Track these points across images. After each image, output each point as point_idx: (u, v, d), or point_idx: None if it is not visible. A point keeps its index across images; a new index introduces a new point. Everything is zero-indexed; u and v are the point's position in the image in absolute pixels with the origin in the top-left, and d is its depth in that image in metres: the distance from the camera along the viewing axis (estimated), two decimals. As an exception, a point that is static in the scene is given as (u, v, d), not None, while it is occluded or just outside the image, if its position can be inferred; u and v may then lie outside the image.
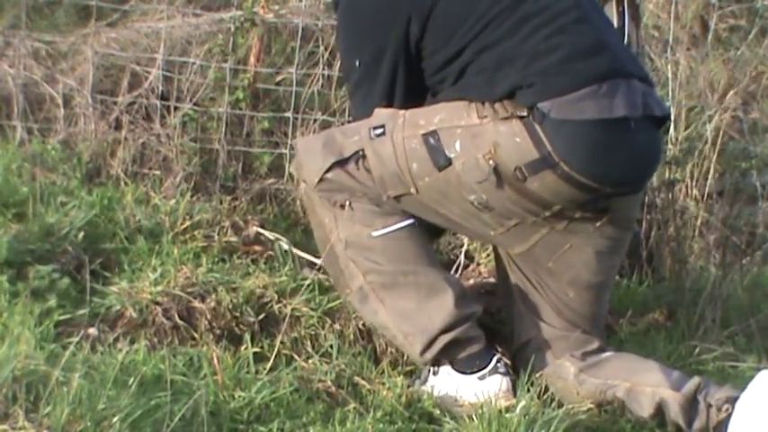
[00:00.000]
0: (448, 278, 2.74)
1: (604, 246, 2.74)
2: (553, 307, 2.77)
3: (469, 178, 2.61)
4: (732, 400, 2.58)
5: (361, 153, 2.69)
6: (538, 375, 2.71)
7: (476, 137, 2.59)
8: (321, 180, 2.71)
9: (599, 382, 2.72)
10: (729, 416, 2.56)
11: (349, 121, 3.72)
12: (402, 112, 2.69)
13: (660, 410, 2.66)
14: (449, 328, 2.66)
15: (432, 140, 2.63)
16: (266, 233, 3.31)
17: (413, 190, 2.67)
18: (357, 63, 2.77)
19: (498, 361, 2.69)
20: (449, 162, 2.62)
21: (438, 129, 2.63)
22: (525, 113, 2.56)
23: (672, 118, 3.77)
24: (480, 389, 2.65)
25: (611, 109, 2.57)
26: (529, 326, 2.79)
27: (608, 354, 2.80)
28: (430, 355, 2.69)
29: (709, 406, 2.62)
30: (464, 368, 2.69)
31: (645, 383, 2.69)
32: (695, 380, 2.67)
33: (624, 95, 2.59)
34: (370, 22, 2.76)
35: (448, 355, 2.69)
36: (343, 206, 2.71)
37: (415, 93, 2.76)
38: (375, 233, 2.70)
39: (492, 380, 2.67)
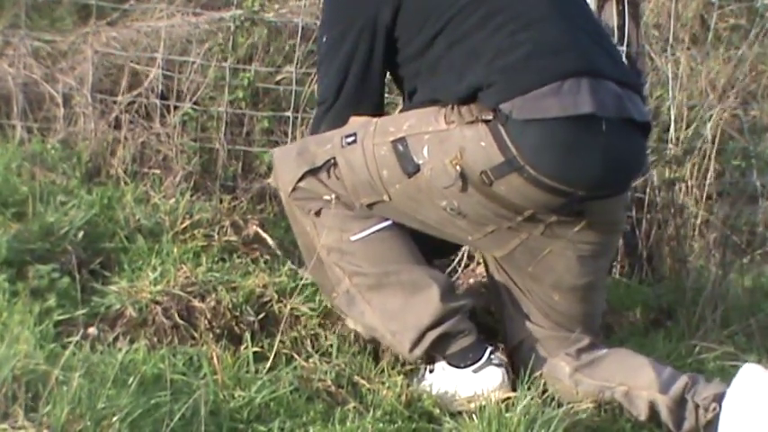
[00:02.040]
0: (432, 274, 2.72)
1: (587, 250, 2.71)
2: (540, 309, 2.76)
3: (438, 184, 2.60)
4: (719, 398, 2.58)
5: (332, 161, 2.69)
6: (536, 375, 2.71)
7: (443, 142, 2.59)
8: (294, 189, 2.72)
9: (596, 384, 2.71)
10: (717, 415, 2.56)
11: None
12: (375, 120, 2.70)
13: (654, 413, 2.67)
14: (436, 323, 2.66)
15: (400, 147, 2.63)
16: (265, 236, 3.30)
17: (385, 197, 2.67)
18: (324, 38, 2.79)
19: (492, 353, 2.68)
20: (417, 168, 2.61)
21: (407, 135, 2.63)
22: (491, 117, 2.54)
23: (671, 117, 3.77)
24: (476, 382, 2.65)
25: (575, 105, 2.52)
26: (519, 327, 2.78)
27: (603, 351, 2.79)
28: (419, 351, 2.68)
29: (696, 406, 2.61)
30: (458, 362, 2.68)
31: (640, 386, 2.68)
32: (683, 379, 2.66)
33: (590, 93, 2.54)
34: (346, 1, 2.79)
35: (438, 351, 2.69)
36: (318, 213, 2.71)
37: (371, 81, 2.77)
38: (353, 237, 2.69)
39: (487, 372, 2.66)
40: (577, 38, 2.65)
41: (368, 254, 2.69)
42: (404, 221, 2.73)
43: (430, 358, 2.72)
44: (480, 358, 2.67)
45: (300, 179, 2.71)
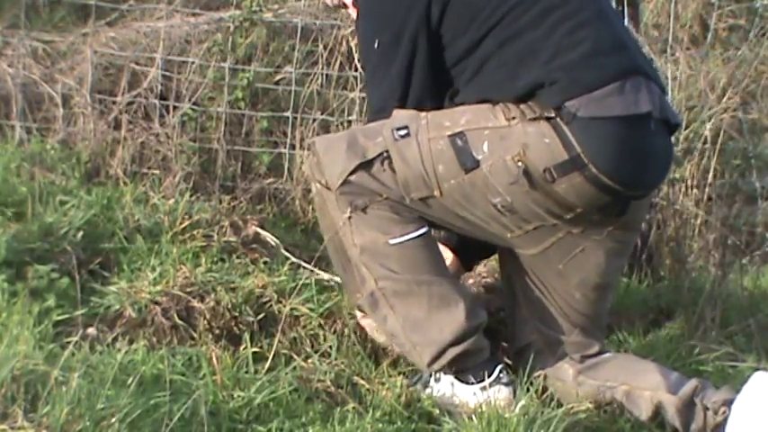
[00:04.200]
0: (460, 289, 2.70)
1: (614, 248, 2.72)
2: (557, 310, 2.75)
3: (498, 180, 2.58)
4: (728, 403, 2.58)
5: (385, 155, 2.64)
6: (537, 376, 2.70)
7: (504, 138, 2.56)
8: (344, 182, 2.65)
9: (597, 384, 2.72)
10: (726, 419, 2.56)
11: (349, 122, 3.73)
12: (424, 113, 2.66)
13: (658, 413, 2.66)
14: (459, 340, 2.64)
15: (459, 142, 2.59)
16: (266, 235, 3.30)
17: (436, 192, 2.63)
18: (376, 44, 2.72)
19: (501, 371, 2.67)
20: (476, 164, 2.58)
21: (465, 130, 2.59)
22: (553, 114, 2.53)
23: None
24: (483, 397, 2.64)
25: (637, 104, 2.55)
26: (530, 330, 2.78)
27: (607, 355, 2.79)
28: (438, 366, 2.66)
29: (705, 409, 2.61)
30: (468, 378, 2.67)
31: (643, 386, 2.68)
32: (692, 382, 2.66)
33: (647, 93, 2.58)
34: (392, 3, 2.72)
35: (455, 366, 2.67)
36: (363, 210, 2.66)
37: (432, 82, 2.71)
38: (392, 241, 2.65)
39: (494, 390, 2.65)
40: (625, 38, 2.68)
41: (403, 259, 2.65)
42: (444, 218, 2.70)
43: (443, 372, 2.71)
44: (490, 375, 2.66)
45: (352, 173, 2.64)
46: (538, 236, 2.68)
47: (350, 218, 2.66)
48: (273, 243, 3.28)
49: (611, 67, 2.57)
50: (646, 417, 2.67)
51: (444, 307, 2.64)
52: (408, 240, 2.66)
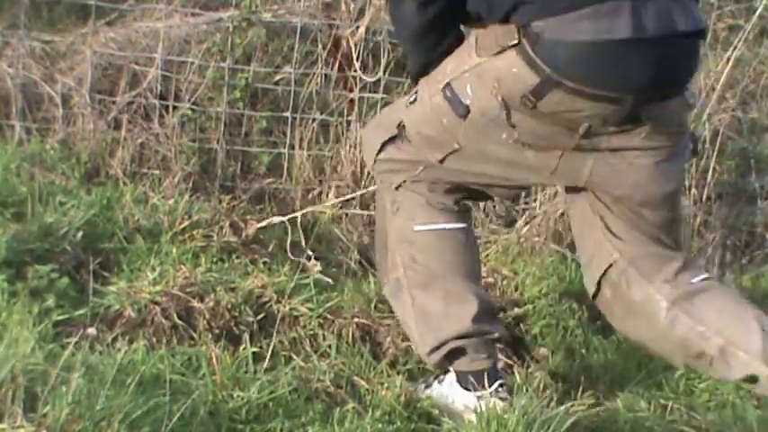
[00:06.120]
0: (477, 291, 2.69)
1: (661, 154, 2.63)
2: (633, 225, 2.69)
3: (488, 117, 2.57)
4: None
5: (402, 124, 2.69)
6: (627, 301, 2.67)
7: (481, 76, 2.57)
8: (375, 162, 2.72)
9: (691, 326, 2.66)
10: None
11: (348, 123, 3.73)
12: (432, 72, 2.68)
13: (750, 380, 2.62)
14: (461, 337, 2.64)
15: (448, 93, 2.61)
16: (272, 219, 3.32)
17: (456, 145, 2.64)
18: None
19: (501, 386, 2.65)
20: (467, 109, 2.59)
21: (451, 79, 2.61)
22: (516, 41, 2.49)
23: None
24: (478, 407, 2.62)
25: (610, 30, 2.45)
26: (610, 249, 2.72)
27: (702, 282, 2.72)
28: (437, 356, 2.66)
29: None
30: (466, 384, 2.65)
31: (740, 346, 2.62)
32: None
33: (630, 17, 2.46)
34: None
35: (454, 362, 2.66)
36: (397, 188, 2.70)
37: None
38: (416, 227, 2.68)
39: (490, 402, 2.61)
40: None
41: (427, 249, 2.68)
42: (482, 171, 2.67)
43: (443, 369, 2.71)
44: (489, 387, 2.64)
45: (380, 151, 2.71)
46: (571, 164, 2.62)
47: (392, 198, 2.72)
48: (283, 222, 3.29)
49: None
50: (735, 377, 2.63)
51: (457, 304, 2.65)
52: (434, 230, 2.68)
